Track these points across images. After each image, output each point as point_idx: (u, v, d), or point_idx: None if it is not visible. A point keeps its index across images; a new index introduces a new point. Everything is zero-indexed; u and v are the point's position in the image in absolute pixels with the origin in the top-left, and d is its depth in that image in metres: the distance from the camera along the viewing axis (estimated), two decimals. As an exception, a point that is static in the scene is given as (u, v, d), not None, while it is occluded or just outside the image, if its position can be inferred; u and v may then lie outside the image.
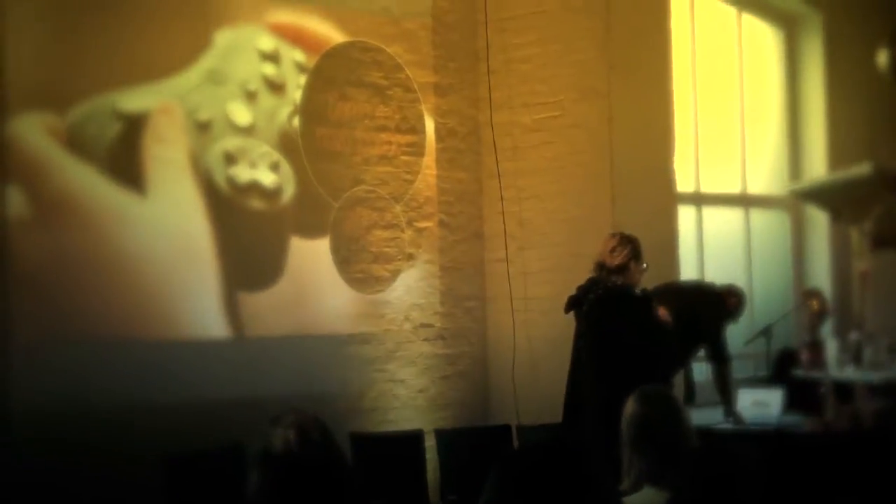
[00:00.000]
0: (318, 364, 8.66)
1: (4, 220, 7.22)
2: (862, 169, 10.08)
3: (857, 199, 10.24)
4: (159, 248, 8.01)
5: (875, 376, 9.23)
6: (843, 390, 8.99)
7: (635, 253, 7.51)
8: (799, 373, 9.45)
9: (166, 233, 8.08)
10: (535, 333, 9.29)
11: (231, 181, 8.38)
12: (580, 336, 7.51)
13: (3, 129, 7.26)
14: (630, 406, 4.63)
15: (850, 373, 9.28)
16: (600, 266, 7.49)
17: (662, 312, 7.70)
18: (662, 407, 4.60)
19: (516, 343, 9.39)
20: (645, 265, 7.57)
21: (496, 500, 2.35)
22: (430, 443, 8.51)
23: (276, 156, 8.63)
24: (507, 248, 9.54)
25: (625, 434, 4.57)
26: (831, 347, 9.53)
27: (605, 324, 7.43)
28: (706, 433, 7.10)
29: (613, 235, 7.66)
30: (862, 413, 8.75)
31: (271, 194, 8.60)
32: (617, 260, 7.47)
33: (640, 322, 7.45)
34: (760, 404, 8.47)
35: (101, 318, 7.72)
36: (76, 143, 7.71)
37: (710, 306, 8.48)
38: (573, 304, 7.57)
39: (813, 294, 10.27)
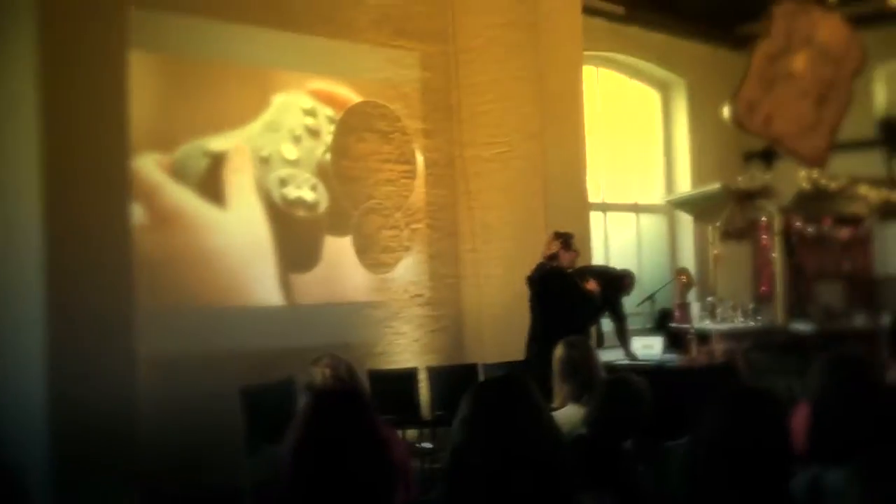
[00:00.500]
0: (344, 323, 8.61)
1: (131, 225, 7.23)
2: (714, 186, 10.17)
3: (711, 206, 10.32)
4: (236, 243, 8.01)
5: (724, 326, 9.34)
6: (703, 337, 9.07)
7: (564, 244, 7.57)
8: (673, 325, 9.54)
9: (240, 234, 8.06)
10: (492, 300, 9.23)
11: (284, 198, 8.36)
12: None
13: (130, 164, 7.27)
14: (559, 349, 4.70)
15: (707, 324, 9.38)
16: (543, 255, 7.61)
17: (591, 285, 7.72)
18: (581, 349, 4.69)
19: (481, 307, 9.35)
20: (574, 252, 7.63)
21: (468, 418, 2.37)
22: (422, 376, 8.49)
23: (314, 180, 8.59)
24: (474, 242, 9.48)
25: (555, 368, 4.64)
26: (695, 307, 9.62)
27: (542, 294, 7.52)
28: (611, 367, 7.18)
29: (551, 233, 7.74)
30: (715, 351, 8.84)
31: (311, 206, 8.56)
32: (549, 250, 7.58)
33: (564, 292, 7.53)
34: (647, 347, 8.50)
35: (197, 293, 7.72)
36: (178, 173, 7.70)
37: (612, 283, 8.47)
38: (529, 280, 7.68)
39: (682, 271, 10.31)
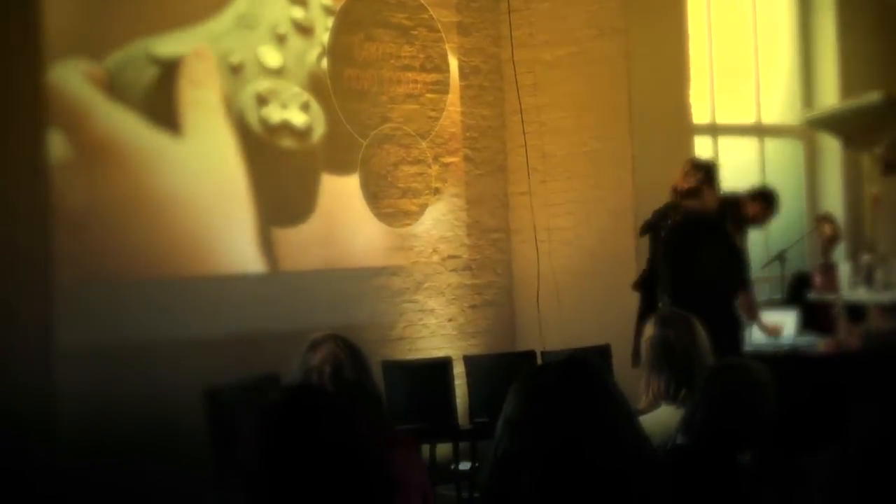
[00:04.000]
0: (349, 296, 8.69)
1: (47, 163, 7.23)
2: (873, 96, 10.00)
3: (868, 125, 10.16)
4: (196, 187, 8.04)
5: (886, 297, 9.22)
6: (855, 311, 8.98)
7: (708, 178, 7.50)
8: (812, 295, 9.44)
9: (202, 172, 8.09)
10: (558, 263, 9.29)
11: (263, 121, 8.38)
12: (658, 259, 7.57)
13: (44, 76, 7.25)
14: (649, 329, 4.67)
15: (861, 294, 9.25)
16: (674, 190, 7.55)
17: (752, 207, 7.92)
18: (680, 328, 4.64)
19: (540, 272, 9.39)
20: (721, 192, 7.59)
21: (516, 412, 2.38)
22: (458, 369, 8.51)
23: (305, 96, 8.62)
24: (529, 181, 9.54)
25: (643, 356, 4.61)
26: (844, 270, 9.50)
27: (683, 248, 7.47)
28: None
29: (687, 161, 7.72)
30: (874, 332, 8.75)
31: (302, 133, 8.60)
32: (689, 183, 7.49)
33: (715, 247, 7.46)
34: (775, 325, 8.46)
35: (141, 257, 7.75)
36: (114, 87, 7.71)
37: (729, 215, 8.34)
38: (649, 227, 7.65)
39: (826, 218, 10.20)
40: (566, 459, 2.30)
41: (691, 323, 4.78)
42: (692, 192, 7.46)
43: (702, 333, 4.70)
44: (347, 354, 4.07)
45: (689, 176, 7.53)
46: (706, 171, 7.56)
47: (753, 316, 8.38)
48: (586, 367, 2.44)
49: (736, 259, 7.58)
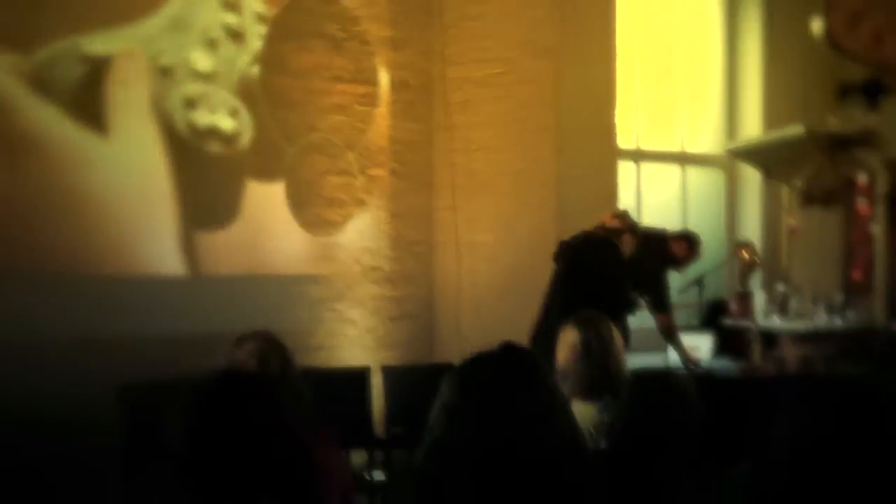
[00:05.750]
0: (270, 302, 8.62)
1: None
2: (794, 130, 10.13)
3: (788, 158, 10.29)
4: (119, 187, 7.97)
5: (800, 325, 9.36)
6: (768, 338, 9.10)
7: (632, 228, 7.99)
8: (728, 321, 9.55)
9: (127, 173, 8.03)
10: (479, 278, 9.30)
11: (191, 125, 8.34)
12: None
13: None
14: (567, 330, 4.74)
15: (775, 322, 9.40)
16: (601, 228, 7.88)
17: (679, 247, 8.60)
18: (599, 330, 4.72)
19: (461, 286, 9.42)
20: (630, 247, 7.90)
21: (454, 398, 2.34)
22: (376, 380, 8.51)
23: (234, 102, 8.59)
24: (454, 197, 9.55)
25: (559, 355, 4.68)
26: (759, 298, 9.64)
27: (579, 267, 7.61)
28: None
29: (616, 210, 8.27)
30: (786, 358, 8.87)
31: (229, 139, 8.56)
32: (615, 224, 7.83)
33: (612, 272, 7.73)
34: (691, 349, 8.55)
35: (59, 253, 7.67)
36: (41, 83, 7.64)
37: (655, 252, 8.54)
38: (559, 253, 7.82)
39: (744, 245, 10.30)
40: (503, 447, 2.27)
41: (608, 324, 4.87)
42: (616, 233, 7.86)
43: (617, 335, 4.81)
44: (273, 351, 4.11)
45: (615, 219, 7.94)
46: (632, 223, 8.03)
47: (672, 338, 8.53)
48: (523, 355, 2.42)
49: (621, 281, 7.89)
